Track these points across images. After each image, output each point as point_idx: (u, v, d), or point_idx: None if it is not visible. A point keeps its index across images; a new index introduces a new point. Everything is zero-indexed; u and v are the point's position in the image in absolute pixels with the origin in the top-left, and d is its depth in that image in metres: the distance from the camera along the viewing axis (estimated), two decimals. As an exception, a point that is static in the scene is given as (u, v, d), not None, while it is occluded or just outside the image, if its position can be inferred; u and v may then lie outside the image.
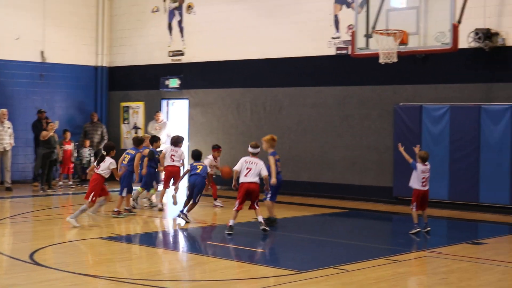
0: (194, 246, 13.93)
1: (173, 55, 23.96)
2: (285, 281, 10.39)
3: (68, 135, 22.80)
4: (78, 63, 24.87)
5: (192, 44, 23.51)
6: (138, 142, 17.19)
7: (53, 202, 19.76)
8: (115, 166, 15.32)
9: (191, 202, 15.68)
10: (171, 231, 15.54)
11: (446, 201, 18.31)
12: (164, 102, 24.35)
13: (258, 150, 14.47)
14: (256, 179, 14.14)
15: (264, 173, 14.21)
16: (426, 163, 14.52)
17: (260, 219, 14.25)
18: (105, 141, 23.74)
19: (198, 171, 15.86)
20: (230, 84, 22.57)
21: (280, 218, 15.84)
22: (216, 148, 18.92)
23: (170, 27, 24.03)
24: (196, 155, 16.57)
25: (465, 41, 17.42)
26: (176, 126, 23.98)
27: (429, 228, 14.50)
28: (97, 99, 25.31)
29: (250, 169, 14.15)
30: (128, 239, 14.01)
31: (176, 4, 23.85)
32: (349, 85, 20.12)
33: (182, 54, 23.75)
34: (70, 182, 22.76)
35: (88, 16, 25.11)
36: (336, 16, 20.35)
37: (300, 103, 21.09)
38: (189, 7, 23.55)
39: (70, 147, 22.78)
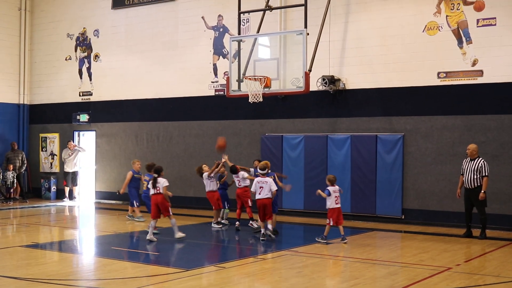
0: (101, 251, 13.55)
1: (83, 95, 23.47)
2: (174, 277, 10.31)
3: (-8, 161, 22.03)
4: (3, 101, 23.98)
5: (99, 86, 23.11)
6: (149, 168, 15.55)
7: (-19, 217, 18.93)
8: (167, 185, 14.20)
9: None
10: (82, 239, 15.16)
11: (302, 210, 18.55)
12: (76, 133, 23.78)
13: (265, 171, 14.12)
14: (269, 195, 13.94)
15: (274, 188, 13.97)
16: (335, 184, 14.07)
17: (267, 229, 14.08)
18: (25, 166, 23.03)
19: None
20: (129, 118, 22.28)
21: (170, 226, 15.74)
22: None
23: (80, 72, 23.56)
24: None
25: (315, 85, 17.79)
26: (87, 152, 23.52)
27: (346, 240, 13.82)
28: (20, 131, 24.47)
29: (262, 187, 13.93)
30: (45, 246, 13.57)
31: (85, 54, 23.42)
32: (225, 119, 20.20)
33: (90, 94, 23.31)
34: (-4, 200, 21.95)
35: (11, 63, 24.29)
36: (214, 65, 20.45)
37: (187, 134, 21.02)
38: (96, 56, 23.17)
39: (-5, 171, 21.99)
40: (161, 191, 14.11)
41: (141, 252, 12.82)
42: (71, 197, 22.86)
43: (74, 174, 23.00)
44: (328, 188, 14.02)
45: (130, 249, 13.30)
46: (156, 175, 14.26)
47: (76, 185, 23.06)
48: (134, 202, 17.27)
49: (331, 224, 13.90)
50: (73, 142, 23.30)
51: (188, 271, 10.73)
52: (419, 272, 10.78)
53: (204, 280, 10.11)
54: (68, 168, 22.88)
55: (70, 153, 22.85)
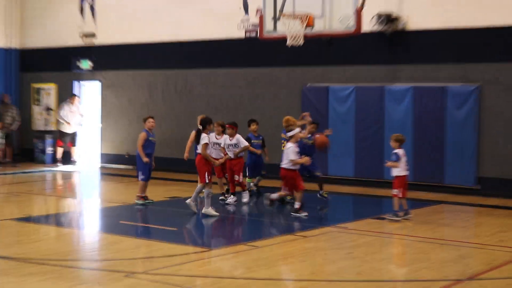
0: (107, 225, 13.60)
1: (85, 37, 23.45)
2: (195, 258, 10.34)
3: (-22, 116, 22.18)
4: (-13, 45, 24.20)
5: (104, 26, 23.06)
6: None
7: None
8: (205, 142, 13.65)
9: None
10: (83, 211, 15.25)
11: (351, 178, 18.48)
12: (76, 84, 23.86)
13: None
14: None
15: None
16: (401, 146, 13.80)
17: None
18: (17, 123, 23.16)
19: None
20: (141, 65, 22.28)
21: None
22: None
23: (82, 8, 23.51)
24: None
25: (369, 25, 17.55)
26: (89, 107, 23.63)
27: (410, 215, 13.60)
28: (8, 81, 24.59)
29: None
30: (40, 220, 13.62)
31: (88, -14, 23.40)
32: (258, 67, 20.07)
33: (94, 36, 23.29)
34: (-17, 164, 22.15)
35: (-2, -3, 24.38)
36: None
37: (211, 84, 20.97)
38: (101, -11, 23.11)
39: (-19, 128, 22.15)
40: (199, 150, 13.94)
41: (156, 228, 12.83)
42: (70, 160, 22.99)
43: (74, 134, 23.13)
44: (396, 151, 13.64)
45: (143, 223, 13.34)
46: (200, 127, 13.97)
47: (75, 145, 23.17)
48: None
49: (400, 196, 13.49)
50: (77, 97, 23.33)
51: (213, 251, 10.75)
52: (497, 255, 10.64)
53: (232, 261, 10.09)
54: (66, 128, 22.98)
55: (73, 110, 22.91)
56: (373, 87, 18.27)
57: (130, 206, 15.03)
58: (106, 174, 21.45)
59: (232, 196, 15.33)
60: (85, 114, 23.43)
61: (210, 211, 13.58)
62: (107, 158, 23.03)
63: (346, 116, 18.58)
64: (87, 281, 9.01)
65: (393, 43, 18.01)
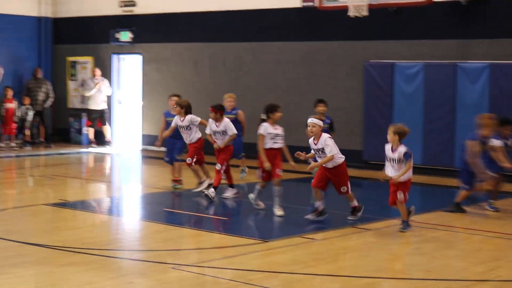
0: (149, 213, 13.76)
1: (125, 6, 23.65)
2: (248, 251, 10.41)
3: (10, 92, 22.40)
4: (19, 14, 24.38)
5: (146, -7, 23.30)
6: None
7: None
8: (260, 132, 13.83)
9: None
10: (125, 197, 15.47)
11: (419, 165, 18.35)
12: (114, 57, 24.09)
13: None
14: None
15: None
16: None
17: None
18: (51, 99, 23.42)
19: None
20: (187, 38, 22.39)
21: (243, 183, 15.87)
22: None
23: (121, -26, 23.78)
24: None
25: (442, -6, 17.53)
26: (128, 83, 23.84)
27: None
28: (41, 53, 24.89)
29: None
30: (78, 205, 13.87)
31: (128, -51, 23.57)
32: (315, 40, 20.05)
33: (134, 5, 23.47)
34: (13, 144, 22.40)
35: (30, -39, 24.64)
36: (302, -36, 20.29)
37: (263, 60, 21.01)
38: (143, -48, 23.28)
39: (12, 105, 22.38)
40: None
41: (204, 217, 12.97)
42: (104, 141, 23.20)
43: (102, 112, 23.37)
44: (406, 150, 11.90)
45: (189, 211, 13.46)
46: (263, 116, 14.18)
47: (105, 124, 23.40)
48: None
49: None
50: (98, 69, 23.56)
51: (267, 243, 10.83)
52: None
53: (288, 255, 10.17)
54: (94, 105, 23.23)
55: (97, 84, 23.09)
56: (444, 64, 18.17)
57: (175, 193, 15.21)
58: (148, 157, 21.65)
59: (230, 188, 14.63)
60: (109, 87, 23.65)
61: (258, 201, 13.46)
62: (149, 139, 23.18)
63: (414, 97, 18.49)
64: (130, 272, 9.25)
65: (469, 14, 17.87)
